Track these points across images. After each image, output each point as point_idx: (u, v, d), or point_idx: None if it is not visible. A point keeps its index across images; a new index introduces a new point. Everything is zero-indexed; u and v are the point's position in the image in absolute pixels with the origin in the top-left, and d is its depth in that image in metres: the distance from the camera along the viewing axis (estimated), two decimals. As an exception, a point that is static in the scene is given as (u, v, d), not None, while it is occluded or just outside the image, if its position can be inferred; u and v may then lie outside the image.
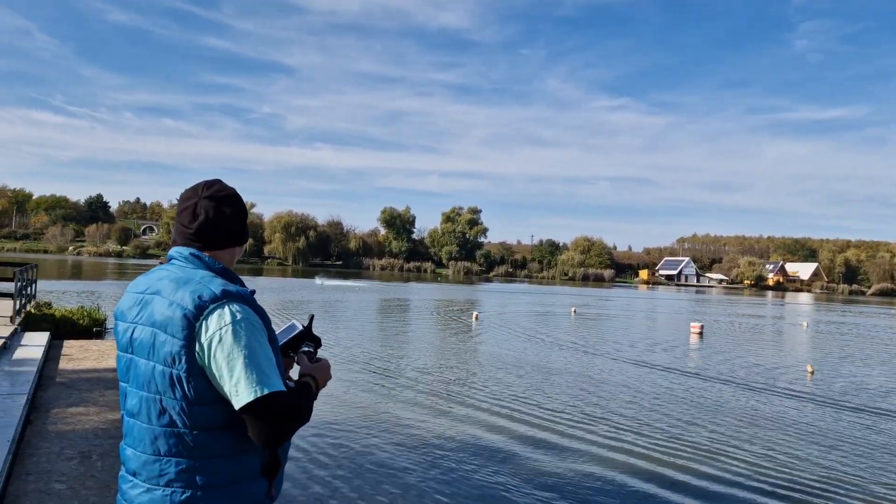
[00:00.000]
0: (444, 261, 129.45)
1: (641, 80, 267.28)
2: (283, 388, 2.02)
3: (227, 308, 2.02)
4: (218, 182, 2.31)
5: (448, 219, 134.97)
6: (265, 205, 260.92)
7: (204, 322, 2.00)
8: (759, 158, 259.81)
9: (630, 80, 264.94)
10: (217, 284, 2.08)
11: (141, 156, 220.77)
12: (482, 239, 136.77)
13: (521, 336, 23.48)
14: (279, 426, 1.97)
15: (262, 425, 1.96)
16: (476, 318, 29.33)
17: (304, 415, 2.10)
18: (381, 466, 7.89)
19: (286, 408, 2.00)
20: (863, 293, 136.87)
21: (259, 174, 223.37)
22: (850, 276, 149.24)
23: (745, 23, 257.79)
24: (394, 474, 7.63)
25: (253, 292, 2.19)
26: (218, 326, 1.99)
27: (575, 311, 37.45)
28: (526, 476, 7.86)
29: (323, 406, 10.52)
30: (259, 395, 1.94)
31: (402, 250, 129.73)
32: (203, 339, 1.99)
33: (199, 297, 2.02)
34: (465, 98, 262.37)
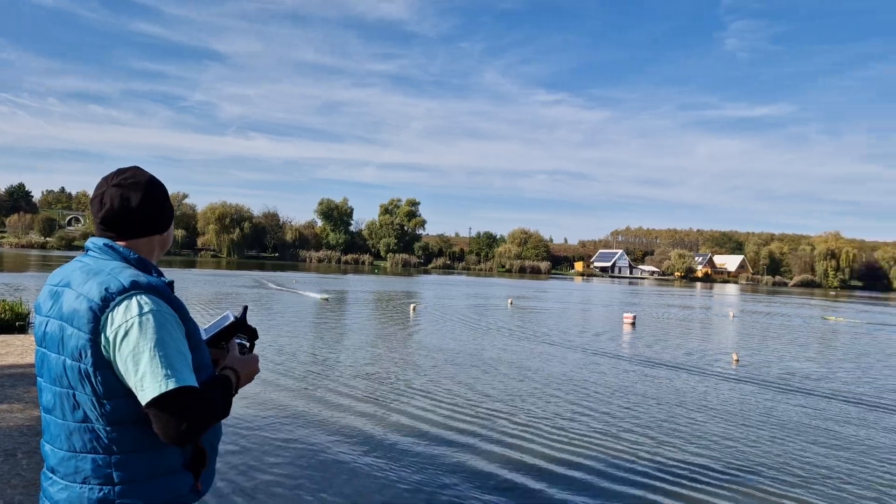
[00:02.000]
0: (383, 253, 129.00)
1: (579, 76, 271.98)
2: (194, 383, 1.95)
3: (134, 300, 1.95)
4: (131, 169, 2.22)
5: (386, 211, 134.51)
6: (199, 195, 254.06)
7: (110, 315, 1.94)
8: (691, 154, 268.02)
9: (568, 76, 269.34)
10: (127, 276, 2.00)
11: (66, 143, 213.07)
12: (420, 231, 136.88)
13: (458, 327, 23.62)
14: (187, 423, 1.90)
15: (168, 422, 1.89)
16: (414, 309, 29.35)
17: (218, 410, 2.04)
18: (308, 460, 7.82)
19: (196, 403, 1.93)
20: (785, 284, 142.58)
21: (192, 164, 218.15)
22: (773, 267, 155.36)
23: (680, 21, 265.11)
24: (320, 468, 7.57)
25: (171, 283, 2.13)
26: (124, 319, 1.93)
27: (511, 303, 37.86)
28: (452, 466, 7.92)
29: (251, 399, 10.37)
30: (165, 389, 1.88)
31: (339, 242, 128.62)
32: (108, 332, 1.93)
33: (106, 290, 1.96)
34: (405, 90, 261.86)
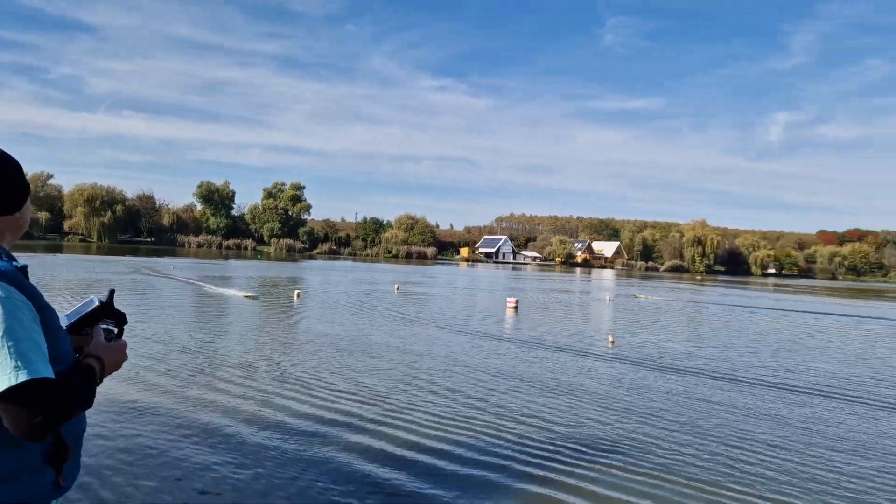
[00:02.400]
0: (266, 238, 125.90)
1: (464, 63, 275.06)
2: (49, 374, 1.82)
3: None
4: None
5: (270, 195, 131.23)
6: (66, 176, 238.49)
7: None
8: (572, 143, 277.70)
9: (453, 63, 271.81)
10: None
11: None
12: (306, 216, 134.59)
13: (344, 312, 23.42)
14: (42, 415, 1.78)
15: (19, 415, 1.76)
16: (298, 295, 28.83)
17: (79, 400, 1.91)
18: (174, 457, 7.55)
19: (52, 395, 1.80)
20: (657, 269, 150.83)
21: (59, 142, 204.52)
22: (646, 253, 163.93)
23: (561, 14, 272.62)
24: (189, 464, 7.34)
25: (23, 268, 1.97)
26: None
27: (398, 288, 37.95)
28: (323, 456, 7.87)
29: (115, 389, 9.87)
30: (16, 381, 1.75)
31: (220, 227, 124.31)
32: None
33: None
34: (290, 71, 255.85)
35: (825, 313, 39.05)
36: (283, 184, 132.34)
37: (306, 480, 6.87)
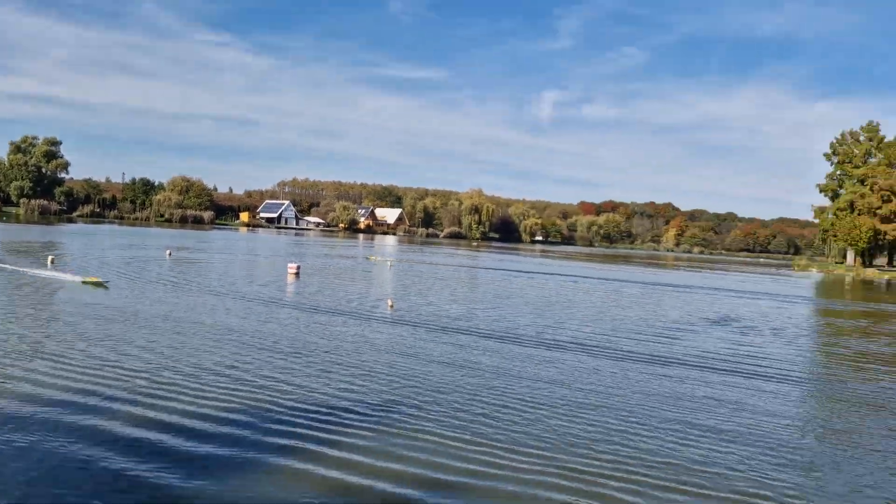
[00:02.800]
0: (14, 198, 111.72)
1: (247, 18, 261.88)
2: None
3: None
4: None
5: (18, 149, 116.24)
6: None
7: None
8: (358, 108, 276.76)
9: (234, 17, 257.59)
10: None
11: None
12: (63, 175, 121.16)
13: (109, 280, 21.45)
14: None
15: None
16: (52, 262, 25.90)
17: None
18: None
19: None
20: (437, 235, 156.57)
21: None
22: (427, 220, 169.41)
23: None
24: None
25: None
26: None
27: (170, 254, 35.72)
28: (81, 432, 7.40)
29: None
30: None
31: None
32: None
33: None
34: (45, 10, 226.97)
35: (583, 277, 43.13)
36: (35, 138, 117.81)
37: (35, 472, 6.37)
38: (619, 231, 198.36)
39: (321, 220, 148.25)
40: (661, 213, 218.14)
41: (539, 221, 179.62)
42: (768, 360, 15.05)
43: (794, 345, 18.26)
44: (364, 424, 8.17)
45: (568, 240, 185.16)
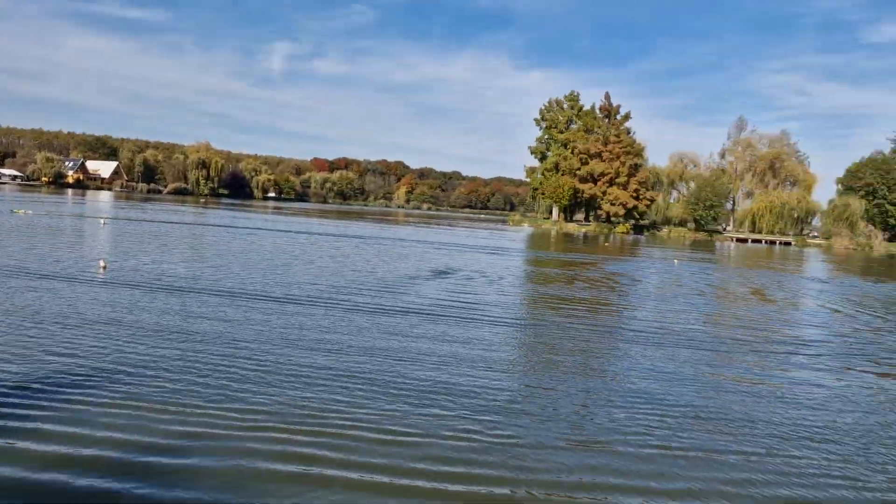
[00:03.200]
0: None
1: None
2: None
3: None
4: None
5: None
6: None
7: None
8: (62, 49, 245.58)
9: None
10: None
11: None
12: None
13: None
14: None
15: None
16: None
17: None
18: None
19: None
20: (160, 191, 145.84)
21: None
22: (149, 175, 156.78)
23: None
24: None
25: None
26: None
27: None
28: None
29: None
30: None
31: None
32: None
33: None
34: None
35: (316, 233, 43.20)
36: None
37: None
38: (353, 188, 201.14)
39: (18, 173, 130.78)
40: (392, 171, 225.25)
41: (272, 177, 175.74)
42: (484, 306, 16.41)
43: (506, 293, 20.08)
44: (62, 394, 7.45)
45: (302, 196, 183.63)
